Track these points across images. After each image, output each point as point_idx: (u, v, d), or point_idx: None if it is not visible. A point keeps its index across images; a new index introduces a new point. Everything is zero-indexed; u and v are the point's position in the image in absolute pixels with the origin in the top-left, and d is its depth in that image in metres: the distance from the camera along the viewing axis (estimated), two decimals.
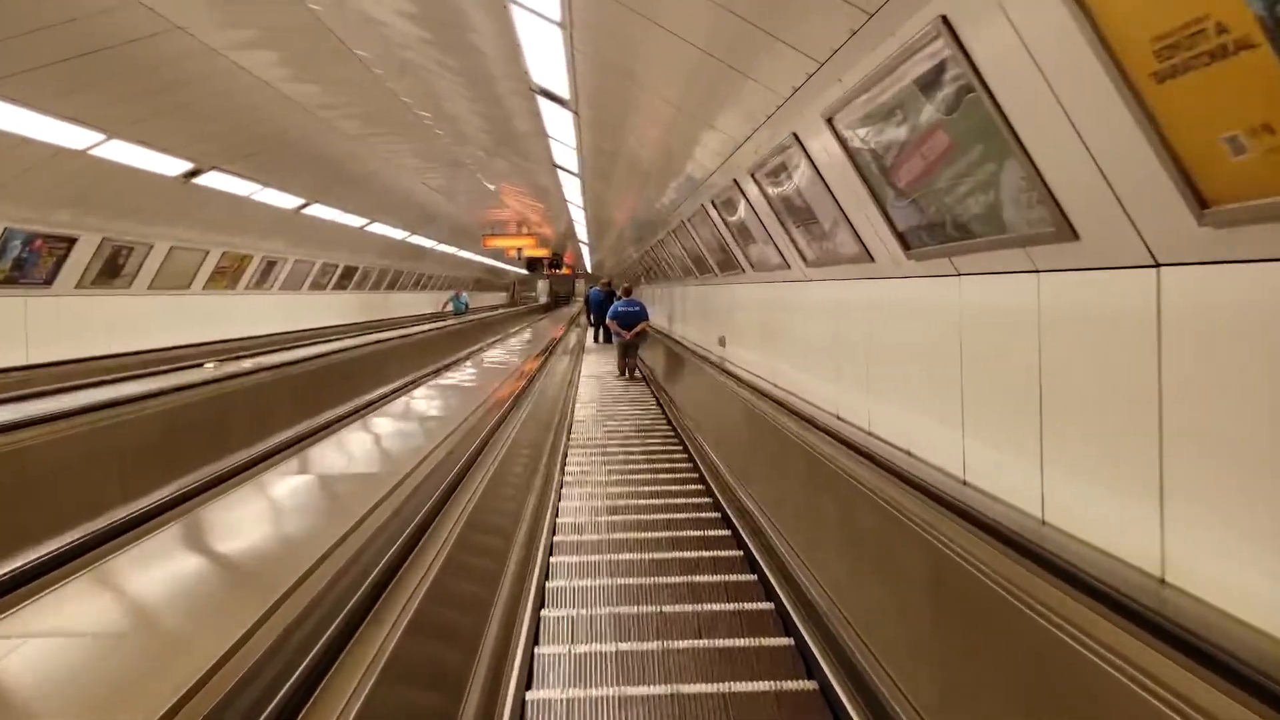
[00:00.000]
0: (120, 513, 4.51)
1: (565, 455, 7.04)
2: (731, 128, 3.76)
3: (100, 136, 5.95)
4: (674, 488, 5.84)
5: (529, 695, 2.86)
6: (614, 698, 2.83)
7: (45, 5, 4.11)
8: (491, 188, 11.80)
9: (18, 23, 4.20)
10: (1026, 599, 1.80)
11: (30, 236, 6.88)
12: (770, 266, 4.73)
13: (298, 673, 1.55)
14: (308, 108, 6.66)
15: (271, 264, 12.02)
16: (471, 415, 4.47)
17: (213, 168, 7.60)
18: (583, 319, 21.94)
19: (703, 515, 5.06)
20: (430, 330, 13.73)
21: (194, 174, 7.52)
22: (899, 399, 3.09)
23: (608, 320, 12.50)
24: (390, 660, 1.82)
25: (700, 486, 5.87)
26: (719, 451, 6.05)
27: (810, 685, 2.90)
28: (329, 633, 1.73)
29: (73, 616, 1.70)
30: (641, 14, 3.10)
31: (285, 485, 3.02)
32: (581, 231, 16.60)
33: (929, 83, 2.01)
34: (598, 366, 13.96)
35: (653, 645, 3.22)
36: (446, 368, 8.97)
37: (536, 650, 3.19)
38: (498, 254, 22.97)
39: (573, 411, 9.34)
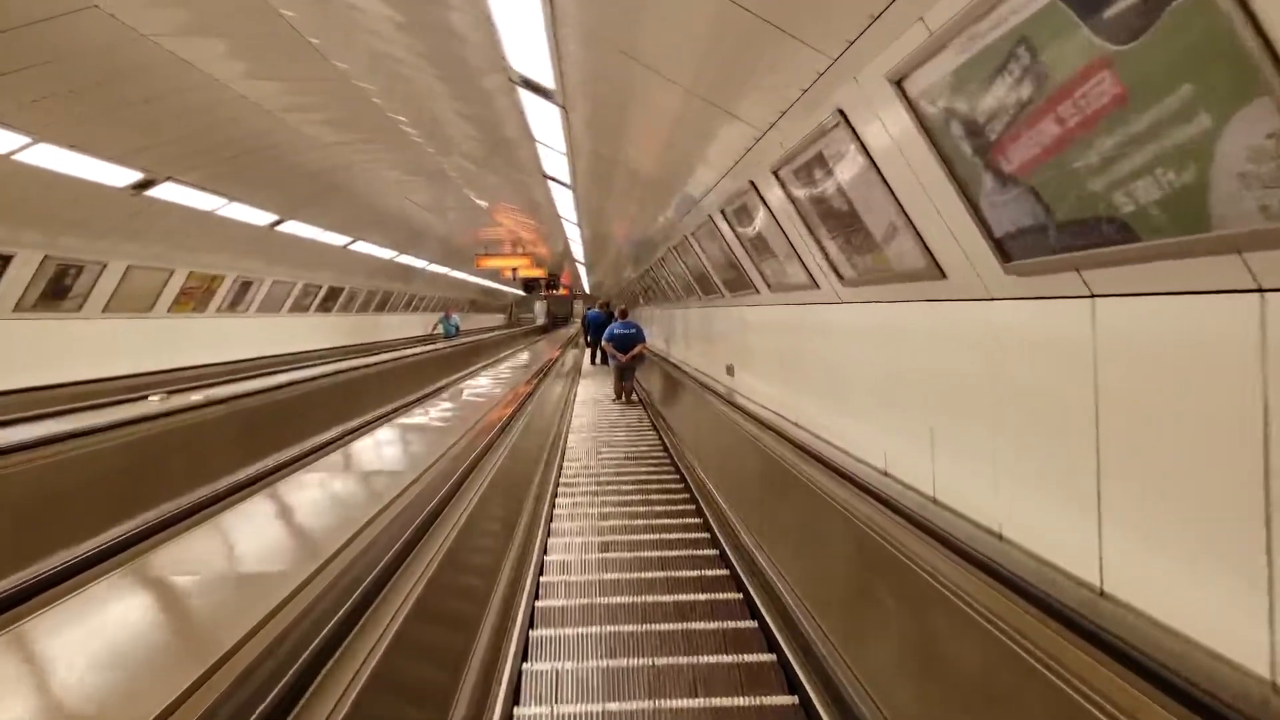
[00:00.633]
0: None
1: (555, 492, 6.28)
2: (753, 113, 3.03)
3: (24, 139, 5.24)
4: (676, 535, 5.05)
5: None
6: None
7: None
8: (482, 204, 11.11)
9: None
10: None
11: None
12: (792, 286, 3.99)
13: None
14: (269, 109, 5.97)
15: (247, 285, 11.30)
16: (440, 460, 3.70)
17: (167, 178, 6.88)
18: (580, 340, 21.23)
19: (718, 597, 4.04)
20: (415, 355, 12.97)
21: (146, 185, 6.80)
22: (978, 460, 2.33)
23: (603, 343, 11.99)
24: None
25: (706, 535, 5.09)
26: (729, 500, 5.26)
27: None
28: None
29: None
30: None
31: (200, 556, 2.29)
32: (578, 251, 15.92)
33: None
34: (596, 389, 13.27)
35: None
36: (425, 399, 8.21)
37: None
38: (494, 275, 22.31)
39: (566, 440, 8.59)
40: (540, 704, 3.02)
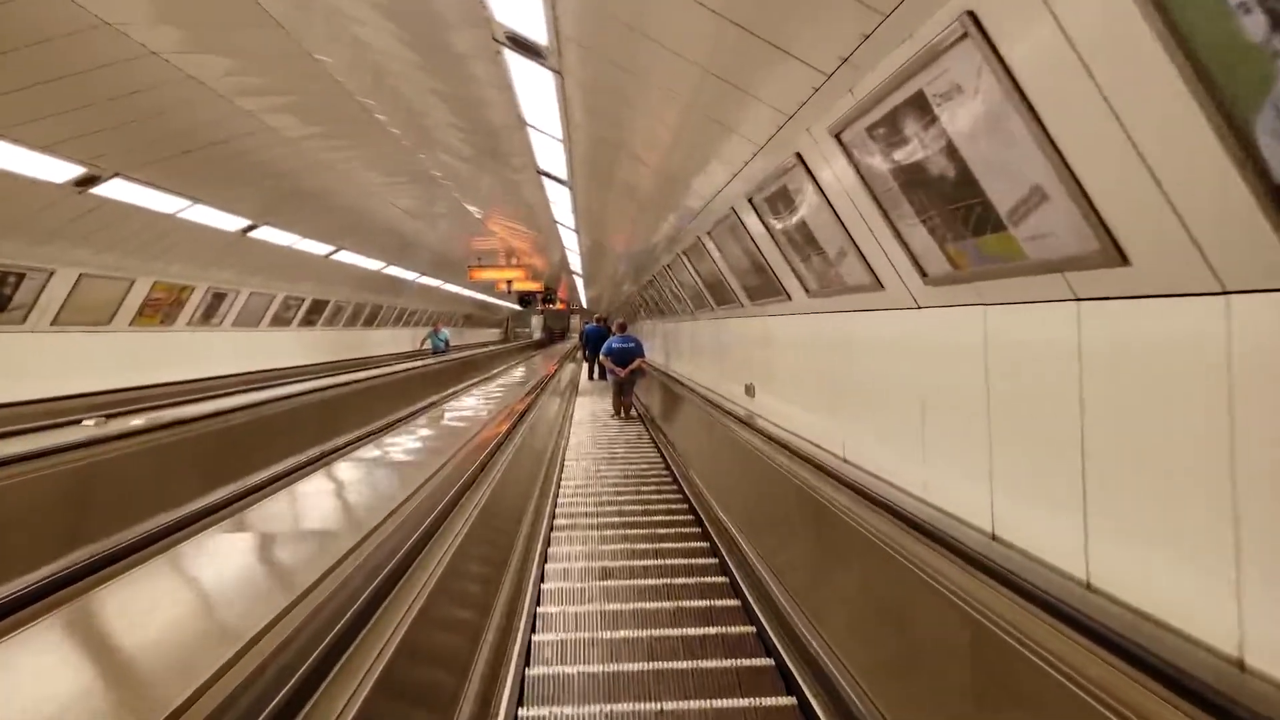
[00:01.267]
0: None
1: (552, 521, 5.49)
2: (814, 51, 2.25)
3: None
4: (694, 601, 4.24)
5: None
6: None
7: None
8: (474, 211, 10.36)
9: None
10: None
11: None
12: (844, 288, 3.21)
13: None
14: (222, 93, 5.21)
15: (220, 296, 10.51)
16: (414, 494, 2.90)
17: (115, 175, 6.12)
18: (578, 354, 20.50)
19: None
20: (401, 372, 12.17)
21: (89, 181, 6.03)
22: (1148, 528, 1.54)
23: (601, 357, 11.56)
24: None
25: (737, 602, 4.22)
26: (765, 560, 4.44)
27: None
28: None
29: None
30: None
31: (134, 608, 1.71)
32: (575, 262, 15.17)
33: None
34: (595, 406, 12.53)
35: None
36: (406, 419, 7.42)
37: None
38: (489, 289, 21.52)
39: (563, 461, 7.80)
40: None
